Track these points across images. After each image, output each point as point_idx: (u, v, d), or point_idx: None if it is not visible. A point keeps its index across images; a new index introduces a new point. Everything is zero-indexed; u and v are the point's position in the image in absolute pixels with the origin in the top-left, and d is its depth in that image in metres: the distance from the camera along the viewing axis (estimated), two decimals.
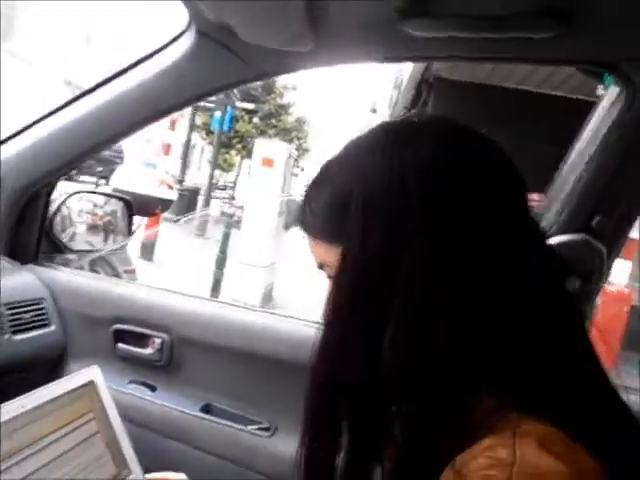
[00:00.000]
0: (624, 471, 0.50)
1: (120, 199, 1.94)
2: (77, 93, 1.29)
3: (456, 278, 0.53)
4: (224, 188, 26.96)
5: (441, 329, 0.53)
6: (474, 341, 0.53)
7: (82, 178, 13.60)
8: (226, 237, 7.31)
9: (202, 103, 14.74)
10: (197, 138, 23.64)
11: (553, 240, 1.09)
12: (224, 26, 1.03)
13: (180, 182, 13.73)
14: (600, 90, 1.16)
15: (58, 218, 1.70)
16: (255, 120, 22.73)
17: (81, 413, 0.93)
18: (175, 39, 1.19)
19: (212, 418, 1.29)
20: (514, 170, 0.59)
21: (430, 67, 6.29)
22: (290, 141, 21.59)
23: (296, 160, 8.24)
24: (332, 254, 0.59)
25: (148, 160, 16.29)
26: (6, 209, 1.34)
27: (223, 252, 7.19)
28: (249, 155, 15.40)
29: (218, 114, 15.14)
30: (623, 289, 4.10)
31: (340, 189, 0.59)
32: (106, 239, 2.31)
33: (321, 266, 0.64)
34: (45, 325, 1.32)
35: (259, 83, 21.95)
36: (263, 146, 7.61)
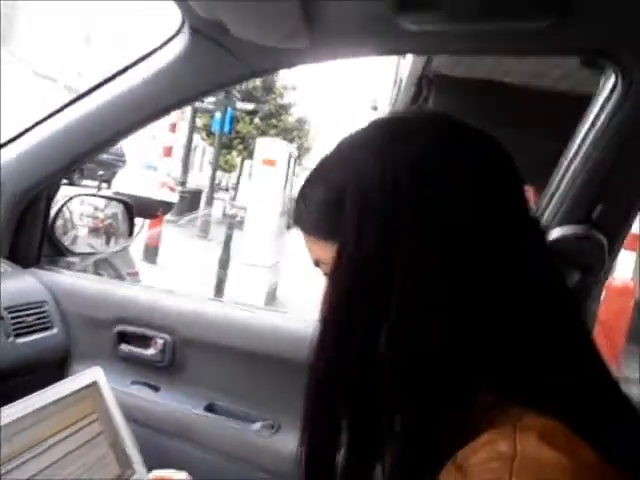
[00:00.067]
0: (625, 463, 0.50)
1: (120, 202, 1.94)
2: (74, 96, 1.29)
3: (452, 274, 0.53)
4: (226, 189, 27.02)
5: (437, 326, 0.53)
6: (471, 338, 0.53)
7: (84, 182, 13.64)
8: (229, 238, 7.31)
9: (202, 105, 14.76)
10: (198, 140, 23.68)
11: (554, 232, 1.09)
12: (217, 23, 1.03)
13: (182, 184, 13.73)
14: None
15: (60, 221, 1.71)
16: (256, 121, 22.74)
17: (85, 414, 0.94)
18: (170, 39, 1.19)
19: (216, 417, 1.29)
20: (511, 165, 0.59)
21: (430, 64, 6.27)
22: (291, 141, 21.60)
23: (297, 160, 8.23)
24: (327, 251, 0.59)
25: (149, 163, 16.29)
26: (7, 213, 1.35)
27: (226, 253, 7.20)
28: (250, 156, 15.42)
29: (218, 115, 15.14)
30: (628, 282, 4.09)
31: (334, 186, 0.59)
32: (107, 242, 2.33)
33: (317, 263, 0.64)
34: (48, 328, 1.32)
35: (259, 83, 22.00)
36: (264, 146, 7.61)
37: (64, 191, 1.66)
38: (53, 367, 1.35)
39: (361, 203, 0.55)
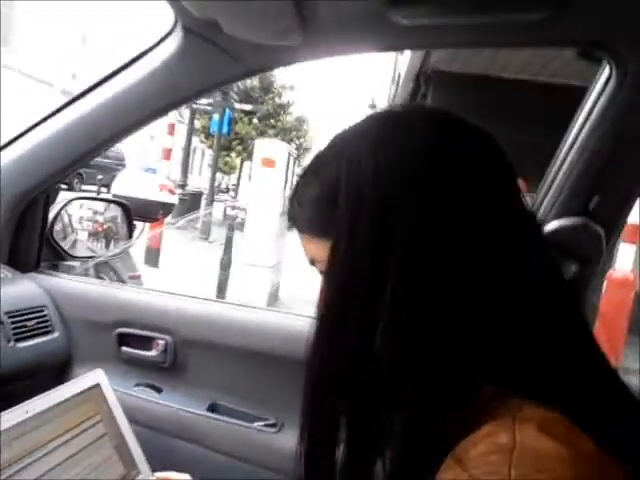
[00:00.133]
0: (625, 454, 0.49)
1: (119, 204, 1.94)
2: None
3: (447, 270, 0.53)
4: (227, 191, 27.04)
5: (433, 323, 0.52)
6: (468, 333, 0.52)
7: (84, 187, 13.65)
8: (229, 239, 7.32)
9: (200, 106, 14.76)
10: (197, 142, 23.69)
11: (551, 224, 1.09)
12: (210, 22, 1.02)
13: (182, 186, 13.74)
14: None
15: (59, 226, 1.71)
16: (254, 121, 22.76)
17: (88, 416, 0.94)
18: (163, 39, 1.19)
19: (219, 417, 1.29)
20: (505, 160, 0.58)
21: (428, 60, 6.29)
22: (290, 141, 21.62)
23: (297, 160, 8.24)
24: (322, 249, 0.59)
25: (147, 165, 16.29)
26: (5, 216, 1.35)
27: (227, 254, 7.20)
28: (250, 157, 15.43)
29: (217, 117, 15.14)
30: (628, 275, 4.08)
31: (328, 182, 0.58)
32: (107, 245, 2.33)
33: (312, 262, 0.63)
34: (48, 332, 1.32)
35: (257, 84, 22.02)
36: (263, 146, 7.60)
37: (63, 196, 1.67)
38: (54, 371, 1.35)
39: (355, 199, 0.55)
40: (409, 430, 0.55)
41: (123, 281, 2.82)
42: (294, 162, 8.04)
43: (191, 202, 13.32)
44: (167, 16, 1.15)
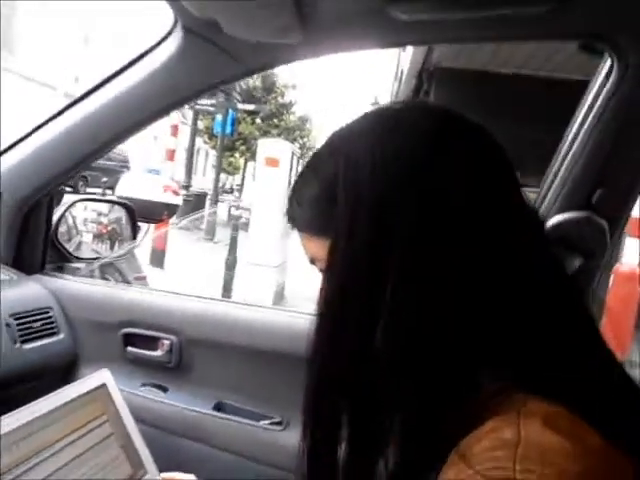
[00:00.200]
0: (631, 448, 0.49)
1: (122, 205, 1.95)
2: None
3: (447, 267, 0.52)
4: (231, 191, 27.06)
5: (433, 321, 0.52)
6: (470, 330, 0.52)
7: (88, 190, 13.69)
8: (234, 239, 7.33)
9: (203, 107, 14.77)
10: (200, 143, 23.72)
11: (554, 218, 1.09)
12: (210, 22, 1.03)
13: (186, 187, 13.77)
14: None
15: (63, 228, 1.71)
16: (257, 121, 22.77)
17: (94, 416, 0.94)
18: (163, 39, 1.19)
19: (225, 416, 1.29)
20: (504, 155, 0.58)
21: (430, 57, 6.28)
22: (294, 140, 21.63)
23: (300, 159, 8.23)
24: (322, 248, 0.58)
25: (151, 167, 16.36)
26: (9, 219, 1.35)
27: (232, 254, 7.21)
28: (253, 157, 15.43)
29: (220, 117, 15.16)
30: (635, 268, 4.06)
31: (326, 180, 0.58)
32: (112, 247, 2.34)
33: (313, 261, 0.63)
34: (54, 333, 1.33)
35: (259, 83, 22.03)
36: (266, 146, 7.61)
37: (67, 198, 1.67)
38: (61, 372, 1.36)
39: (353, 198, 0.54)
40: (410, 429, 0.55)
41: (128, 282, 2.83)
42: (298, 161, 8.04)
43: (195, 203, 13.34)
44: (167, 16, 1.15)
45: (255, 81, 22.20)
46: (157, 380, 1.37)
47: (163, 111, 1.30)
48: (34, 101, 16.43)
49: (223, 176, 25.66)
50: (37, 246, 1.45)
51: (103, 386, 0.99)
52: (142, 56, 1.23)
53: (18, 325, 1.22)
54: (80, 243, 2.08)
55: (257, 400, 1.31)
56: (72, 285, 1.47)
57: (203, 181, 25.95)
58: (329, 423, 0.59)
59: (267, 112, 21.60)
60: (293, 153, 7.77)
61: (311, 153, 0.65)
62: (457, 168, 0.54)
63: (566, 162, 1.10)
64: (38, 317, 1.30)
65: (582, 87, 1.13)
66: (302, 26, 1.00)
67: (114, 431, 0.96)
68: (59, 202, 1.58)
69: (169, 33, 1.17)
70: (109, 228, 2.36)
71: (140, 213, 1.96)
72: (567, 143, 1.11)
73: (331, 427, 0.59)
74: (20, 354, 1.21)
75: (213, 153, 24.49)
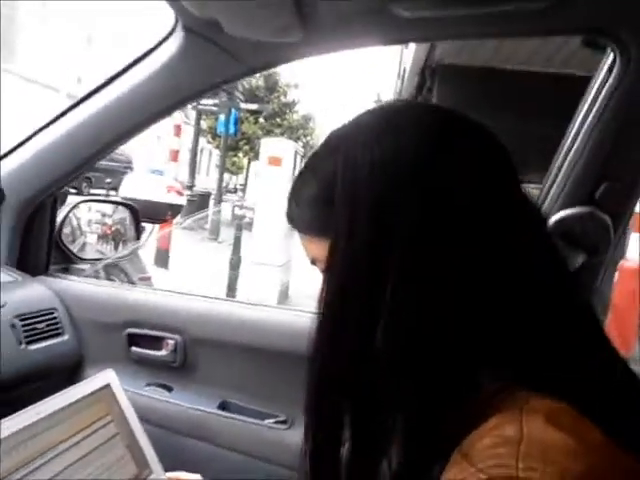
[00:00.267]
0: (635, 445, 0.49)
1: (126, 206, 1.95)
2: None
3: (446, 267, 0.52)
4: (235, 191, 27.08)
5: (434, 320, 0.52)
6: (470, 330, 0.52)
7: (92, 191, 13.72)
8: (238, 239, 7.33)
9: (206, 107, 14.79)
10: (204, 143, 23.75)
11: (558, 214, 1.09)
12: (211, 22, 1.03)
13: (190, 187, 13.78)
14: None
15: (67, 229, 1.72)
16: (260, 120, 22.79)
17: (99, 416, 0.95)
18: (164, 39, 1.19)
19: (229, 415, 1.30)
20: (507, 154, 0.57)
21: (432, 54, 6.26)
22: (297, 139, 21.63)
23: (303, 158, 8.25)
24: (322, 248, 0.58)
25: (154, 167, 16.37)
26: (12, 222, 1.36)
27: (236, 254, 7.22)
28: (257, 156, 15.48)
29: (223, 117, 15.16)
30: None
31: (324, 180, 0.57)
32: (116, 247, 2.34)
33: (313, 262, 0.63)
34: (59, 334, 1.33)
35: (262, 83, 22.04)
36: (269, 145, 7.60)
37: (70, 199, 1.68)
38: (66, 373, 1.36)
39: (352, 198, 0.54)
40: (411, 429, 0.55)
41: (133, 283, 2.84)
42: (301, 160, 8.04)
43: (199, 203, 13.35)
44: (168, 16, 1.15)
45: (258, 80, 22.23)
46: (162, 380, 1.38)
47: (165, 111, 1.30)
48: (37, 103, 16.46)
49: (227, 176, 25.71)
50: (41, 247, 1.46)
51: (107, 386, 0.99)
52: (143, 57, 1.23)
53: (23, 326, 1.23)
54: (84, 244, 2.10)
55: (262, 399, 1.31)
56: (76, 286, 1.47)
57: (207, 181, 25.97)
58: (331, 423, 0.59)
59: (270, 111, 21.62)
60: (296, 152, 7.76)
61: (309, 155, 0.65)
62: (462, 167, 0.53)
63: (569, 157, 1.10)
64: (43, 318, 1.30)
65: (586, 83, 1.13)
66: (302, 25, 0.99)
67: (119, 431, 0.96)
68: (63, 203, 1.59)
69: (170, 33, 1.18)
70: (113, 229, 2.37)
71: (144, 214, 1.96)
72: (570, 138, 1.11)
73: (333, 427, 0.58)
74: (25, 355, 1.21)
75: (216, 153, 24.51)
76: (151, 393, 1.35)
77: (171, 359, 1.35)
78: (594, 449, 0.46)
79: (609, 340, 0.57)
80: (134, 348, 1.38)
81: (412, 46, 6.50)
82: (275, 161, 7.20)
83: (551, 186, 1.13)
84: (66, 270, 1.61)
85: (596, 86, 1.07)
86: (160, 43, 1.20)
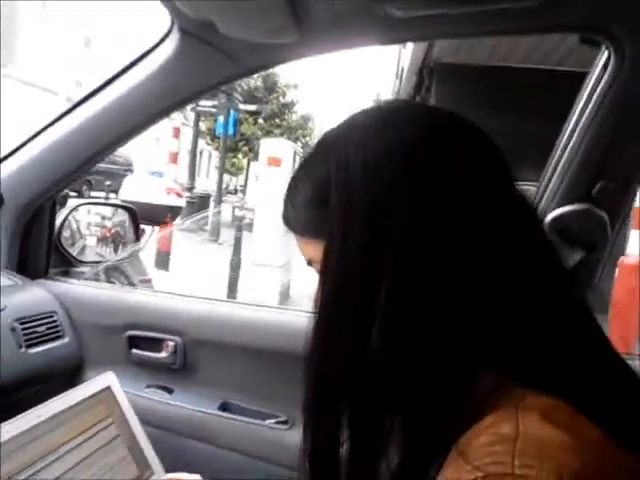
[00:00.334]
0: (632, 442, 0.49)
1: (125, 209, 1.95)
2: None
3: (440, 268, 0.51)
4: (235, 192, 27.09)
5: (429, 322, 0.51)
6: (465, 332, 0.52)
7: (93, 194, 13.73)
8: (238, 240, 7.33)
9: (205, 108, 14.80)
10: (203, 144, 23.76)
11: (555, 212, 1.09)
12: (206, 23, 1.03)
13: (190, 189, 13.79)
14: None
15: (67, 232, 1.72)
16: (260, 121, 22.80)
17: (100, 418, 0.95)
18: (160, 42, 1.19)
19: (230, 415, 1.30)
20: (501, 155, 0.57)
21: (430, 53, 6.26)
22: (296, 139, 21.64)
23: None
24: (318, 250, 0.57)
25: (154, 169, 16.39)
26: (12, 225, 1.36)
27: (237, 255, 7.22)
28: (256, 157, 15.49)
29: (222, 118, 15.17)
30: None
31: (318, 181, 0.57)
32: (116, 250, 2.34)
33: (310, 263, 0.62)
34: (59, 337, 1.33)
35: (260, 83, 22.04)
36: (269, 146, 7.61)
37: (70, 202, 1.68)
38: (66, 376, 1.36)
39: (345, 198, 0.54)
40: (409, 430, 0.55)
41: (134, 285, 2.84)
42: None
43: (199, 205, 13.36)
44: (166, 17, 1.15)
45: (256, 81, 22.25)
46: (162, 382, 1.38)
47: (162, 113, 1.30)
48: (37, 106, 16.45)
49: (227, 177, 25.73)
50: (41, 251, 1.46)
51: (108, 389, 0.99)
52: (140, 59, 1.23)
53: (23, 330, 1.23)
54: (84, 247, 2.10)
55: (262, 399, 1.31)
56: (76, 289, 1.47)
57: (207, 183, 25.98)
58: (329, 423, 0.58)
59: (269, 112, 21.63)
60: (295, 152, 7.76)
61: (304, 156, 0.65)
62: (456, 168, 0.53)
63: (565, 155, 1.10)
64: (43, 321, 1.30)
65: (584, 79, 1.13)
66: (297, 25, 1.00)
67: (120, 433, 0.97)
68: (64, 206, 1.59)
69: (166, 35, 1.18)
70: (113, 231, 2.37)
71: (144, 216, 1.97)
72: (566, 136, 1.11)
73: (331, 427, 0.58)
74: (25, 358, 1.21)
75: (216, 154, 24.52)
76: (151, 395, 1.35)
77: (171, 361, 1.35)
78: (590, 445, 0.46)
79: (605, 337, 0.57)
80: (134, 350, 1.38)
81: (410, 45, 6.50)
82: (274, 162, 7.20)
83: (548, 183, 1.13)
84: (66, 273, 1.61)
85: (591, 83, 1.07)
86: (157, 45, 1.20)
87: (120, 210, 2.20)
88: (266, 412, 1.30)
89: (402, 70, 8.88)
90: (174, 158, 14.55)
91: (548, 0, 0.91)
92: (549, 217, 1.08)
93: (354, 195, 0.53)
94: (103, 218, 2.47)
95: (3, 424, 0.79)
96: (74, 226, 1.97)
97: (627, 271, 3.73)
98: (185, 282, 6.42)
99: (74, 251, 1.79)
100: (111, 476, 0.90)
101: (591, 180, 1.08)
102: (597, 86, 1.05)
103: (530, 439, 0.46)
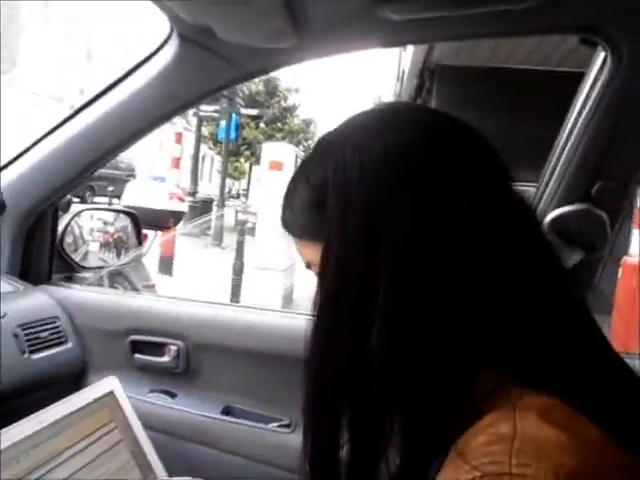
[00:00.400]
0: (631, 442, 0.48)
1: (127, 214, 1.96)
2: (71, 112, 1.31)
3: (437, 270, 0.51)
4: (237, 196, 27.12)
5: (427, 324, 0.51)
6: (464, 333, 0.52)
7: (95, 199, 13.77)
8: (241, 244, 7.34)
9: (207, 113, 14.83)
10: (205, 149, 23.79)
11: (554, 212, 1.09)
12: (205, 28, 1.03)
13: (193, 194, 13.81)
14: None
15: (69, 238, 1.73)
16: (261, 125, 22.83)
17: (103, 423, 0.95)
18: (159, 47, 1.20)
19: (233, 419, 1.30)
20: (499, 158, 0.57)
21: (431, 55, 6.27)
22: (298, 143, 21.65)
23: None
24: (316, 253, 0.57)
25: (156, 174, 16.42)
26: (14, 231, 1.37)
27: (239, 259, 7.23)
28: (259, 161, 15.50)
29: (224, 123, 15.21)
30: None
31: (316, 185, 0.57)
32: (118, 255, 2.35)
33: (309, 266, 0.62)
34: (62, 343, 1.34)
35: (262, 88, 22.07)
36: (271, 150, 7.63)
37: (73, 208, 1.69)
38: (70, 381, 1.37)
39: (343, 201, 0.54)
40: (408, 430, 0.55)
41: (137, 290, 2.84)
42: None
43: (202, 209, 13.38)
44: (164, 22, 1.16)
45: (258, 85, 22.28)
46: (165, 386, 1.38)
47: (162, 119, 1.31)
48: (40, 114, 16.51)
49: (229, 181, 25.74)
50: (43, 257, 1.47)
51: (111, 393, 1.00)
52: (140, 65, 1.24)
53: (26, 335, 1.23)
54: (87, 252, 2.10)
55: (265, 403, 1.31)
56: (78, 294, 1.48)
57: (209, 187, 25.97)
58: (329, 425, 0.58)
59: (271, 116, 21.66)
60: (297, 156, 7.77)
61: (302, 159, 0.65)
62: (454, 171, 0.53)
63: (564, 155, 1.10)
64: (46, 327, 1.30)
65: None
66: (296, 30, 1.00)
67: (123, 437, 0.97)
68: (67, 212, 1.60)
69: (165, 41, 1.18)
70: (115, 237, 2.37)
71: (146, 221, 1.97)
72: (564, 136, 1.11)
73: (331, 429, 0.58)
74: (29, 364, 1.22)
75: (218, 159, 24.57)
76: (154, 399, 1.35)
77: (174, 365, 1.36)
78: (588, 445, 0.46)
79: (604, 337, 0.57)
80: (137, 355, 1.38)
81: (410, 48, 6.51)
82: (276, 165, 7.21)
83: (547, 184, 1.13)
84: (69, 279, 1.61)
85: (589, 84, 1.07)
86: (156, 51, 1.21)
87: (122, 215, 2.20)
88: (269, 416, 1.30)
89: (403, 73, 8.89)
90: (176, 163, 14.58)
91: (545, 1, 0.91)
92: (548, 217, 1.08)
93: (351, 198, 0.53)
94: (105, 223, 2.47)
95: (4, 430, 0.80)
96: (77, 232, 1.97)
97: (630, 271, 3.73)
98: (188, 286, 6.42)
99: (77, 257, 1.79)
100: None
101: (590, 180, 1.08)
102: (594, 87, 1.05)
103: (527, 438, 0.46)
